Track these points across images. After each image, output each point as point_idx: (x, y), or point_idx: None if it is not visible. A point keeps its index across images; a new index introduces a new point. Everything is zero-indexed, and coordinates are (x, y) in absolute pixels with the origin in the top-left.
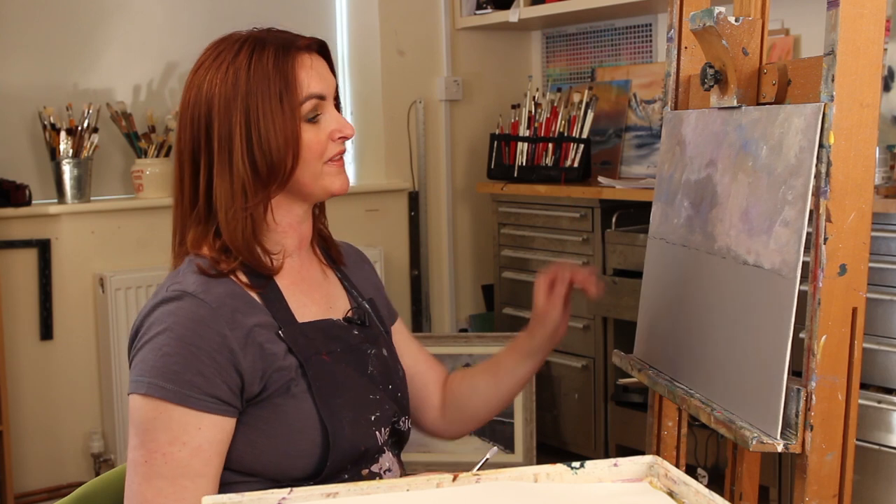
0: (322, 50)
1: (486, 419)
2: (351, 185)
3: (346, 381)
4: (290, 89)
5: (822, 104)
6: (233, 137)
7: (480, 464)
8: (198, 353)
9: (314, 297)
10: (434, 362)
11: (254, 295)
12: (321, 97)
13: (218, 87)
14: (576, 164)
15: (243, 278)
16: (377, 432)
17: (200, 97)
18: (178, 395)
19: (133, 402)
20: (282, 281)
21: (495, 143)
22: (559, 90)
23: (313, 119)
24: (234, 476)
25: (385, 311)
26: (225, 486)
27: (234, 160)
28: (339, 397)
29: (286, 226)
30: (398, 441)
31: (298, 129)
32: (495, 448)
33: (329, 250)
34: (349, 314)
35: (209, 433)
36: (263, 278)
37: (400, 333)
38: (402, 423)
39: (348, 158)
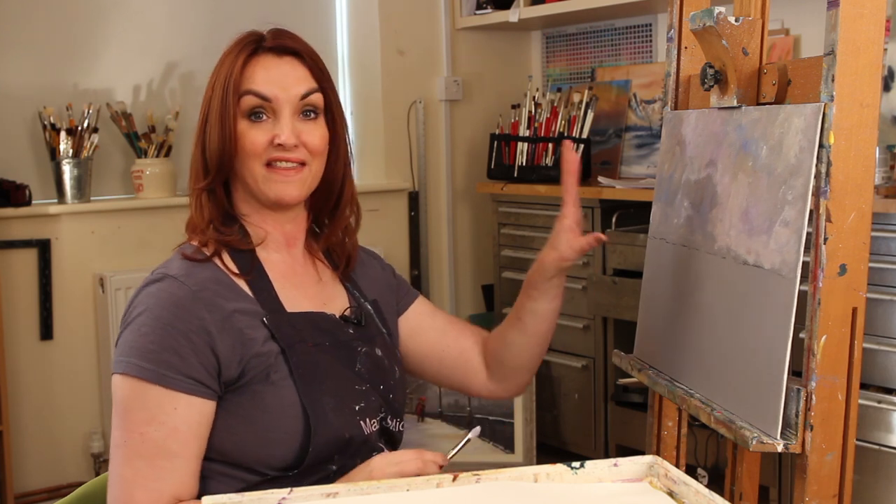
0: (298, 55)
1: (532, 367)
2: (302, 193)
3: (330, 370)
4: (234, 83)
5: (822, 104)
6: (198, 123)
7: (461, 444)
8: (175, 333)
9: (307, 292)
10: (466, 329)
11: (241, 283)
12: (263, 98)
13: (207, 85)
14: None
15: (231, 266)
16: (362, 422)
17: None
18: (154, 375)
19: (114, 382)
20: (272, 273)
21: (495, 143)
22: (559, 90)
23: (256, 118)
24: (216, 466)
25: (392, 309)
26: (207, 477)
27: (195, 144)
28: (321, 384)
29: (260, 221)
30: (390, 440)
31: (233, 124)
32: (478, 428)
33: (333, 257)
34: (346, 313)
35: (185, 413)
36: (248, 260)
37: (422, 312)
38: (390, 422)
39: None
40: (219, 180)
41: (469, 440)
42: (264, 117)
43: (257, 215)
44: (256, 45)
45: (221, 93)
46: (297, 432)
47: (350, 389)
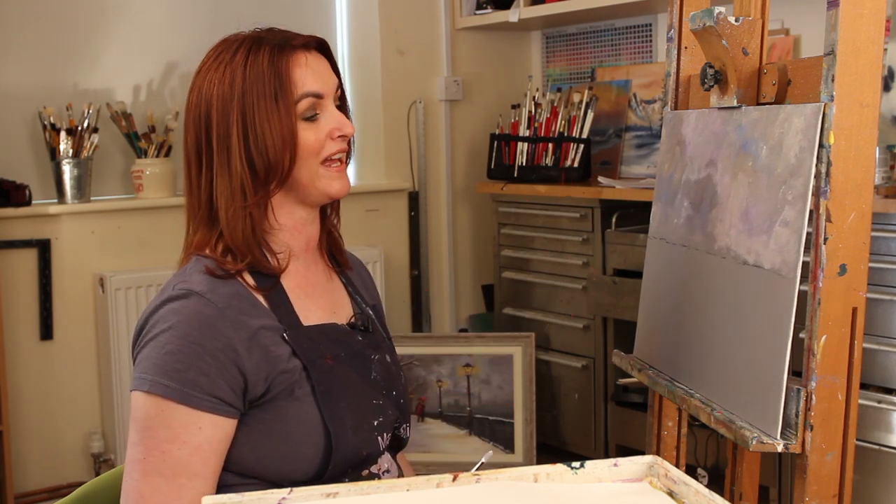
0: (322, 48)
1: None
2: (351, 184)
3: (350, 385)
4: (284, 88)
5: (822, 104)
6: (230, 137)
7: (475, 468)
8: (201, 352)
9: (319, 301)
10: None
11: (259, 297)
12: (318, 96)
13: (216, 88)
14: (576, 164)
15: (249, 280)
16: (379, 437)
17: (201, 99)
18: (180, 394)
19: (135, 399)
20: (287, 284)
21: (495, 143)
22: (559, 90)
23: (311, 118)
24: (235, 478)
25: (383, 316)
26: (226, 488)
27: (232, 160)
28: (342, 401)
29: (290, 227)
30: (396, 445)
31: (295, 128)
32: (490, 452)
33: (335, 254)
34: (353, 320)
35: (209, 433)
36: (269, 280)
37: None
38: (402, 430)
39: None
40: (278, 190)
41: (483, 463)
42: (315, 115)
43: (290, 221)
44: (286, 45)
45: (271, 101)
46: (318, 447)
47: (368, 405)
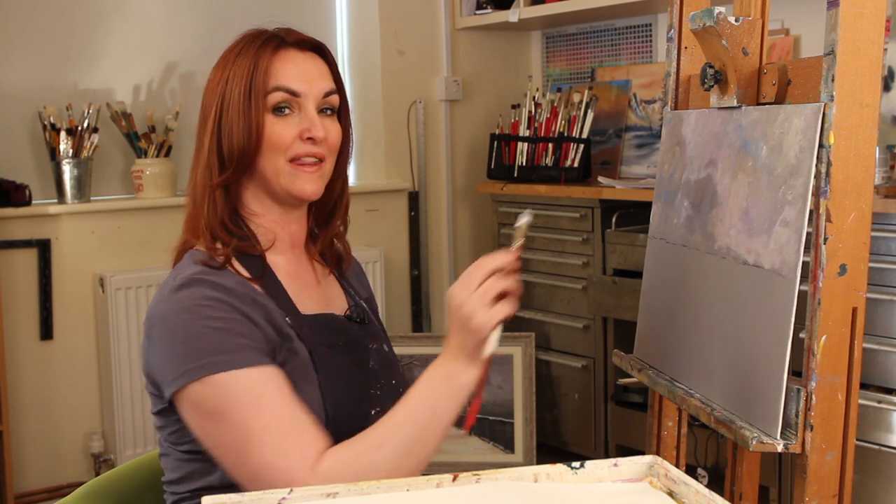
0: (321, 51)
1: None
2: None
3: (348, 373)
4: (257, 78)
5: (822, 104)
6: (208, 119)
7: (521, 225)
8: (224, 324)
9: (311, 294)
10: None
11: (256, 287)
12: (292, 92)
13: (210, 81)
14: (576, 164)
15: (243, 272)
16: None
17: (204, 92)
18: (226, 363)
19: (189, 397)
20: (279, 273)
21: (495, 143)
22: (559, 90)
23: (282, 113)
24: None
25: (376, 309)
26: (229, 486)
27: (204, 140)
28: (340, 389)
29: (270, 220)
30: None
31: (261, 119)
32: (530, 211)
33: (332, 259)
34: (348, 312)
35: (275, 382)
36: (258, 262)
37: None
38: None
39: None
40: (237, 176)
41: (528, 221)
42: (288, 111)
43: (268, 214)
44: (278, 40)
45: (244, 87)
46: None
47: (366, 393)
